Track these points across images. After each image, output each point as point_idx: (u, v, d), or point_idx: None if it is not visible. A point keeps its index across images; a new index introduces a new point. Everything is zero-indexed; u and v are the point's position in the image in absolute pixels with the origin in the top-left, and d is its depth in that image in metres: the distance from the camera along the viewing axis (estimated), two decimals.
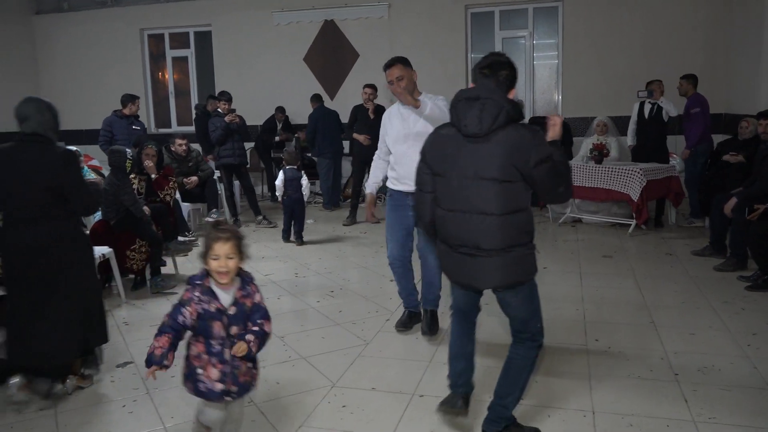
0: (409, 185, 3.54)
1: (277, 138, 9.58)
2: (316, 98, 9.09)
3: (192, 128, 9.90)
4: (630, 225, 6.78)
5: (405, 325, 4.13)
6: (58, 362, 3.19)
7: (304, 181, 6.77)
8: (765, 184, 5.03)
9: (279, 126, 9.70)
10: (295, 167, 6.77)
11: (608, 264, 5.63)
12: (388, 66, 3.73)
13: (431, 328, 4.03)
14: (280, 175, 6.78)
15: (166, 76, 11.20)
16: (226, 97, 7.43)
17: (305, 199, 6.81)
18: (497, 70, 2.51)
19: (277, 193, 6.96)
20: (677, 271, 5.33)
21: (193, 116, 9.90)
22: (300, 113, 10.18)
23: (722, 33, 8.60)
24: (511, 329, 2.70)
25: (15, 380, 3.11)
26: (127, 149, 5.22)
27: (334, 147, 8.58)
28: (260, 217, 7.72)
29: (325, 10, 9.98)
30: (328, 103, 9.60)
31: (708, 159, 7.01)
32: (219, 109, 7.46)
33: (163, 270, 5.33)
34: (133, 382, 3.44)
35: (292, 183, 6.68)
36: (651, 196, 6.71)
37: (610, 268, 5.50)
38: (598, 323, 4.14)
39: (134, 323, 4.42)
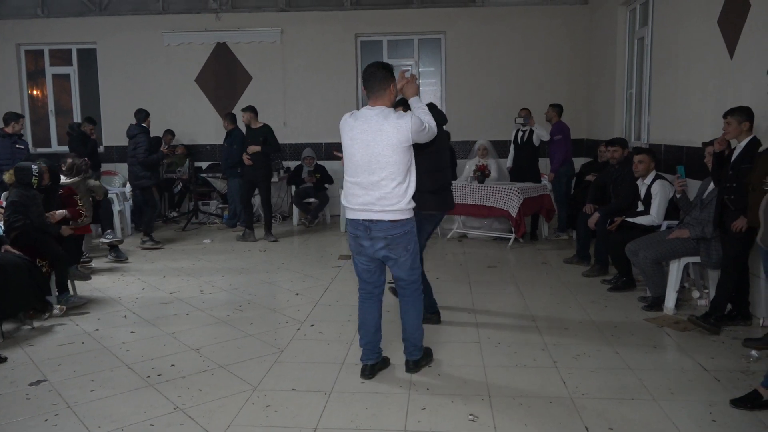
0: None
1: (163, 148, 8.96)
2: (232, 118, 9.04)
3: None
4: (510, 238, 7.48)
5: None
6: None
7: None
8: (620, 202, 5.90)
9: (165, 147, 9.43)
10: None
11: (493, 273, 6.23)
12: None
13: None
14: None
15: (46, 94, 10.73)
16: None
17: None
18: None
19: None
20: (551, 277, 6.02)
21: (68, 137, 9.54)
22: (191, 134, 10.20)
23: (582, 67, 9.75)
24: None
25: None
26: (33, 164, 5.12)
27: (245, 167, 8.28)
28: (146, 238, 7.74)
29: (218, 33, 10.09)
30: (220, 124, 9.65)
31: (571, 179, 7.93)
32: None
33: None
34: (50, 398, 3.45)
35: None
36: (527, 212, 7.45)
37: (495, 276, 6.10)
38: (488, 324, 4.64)
39: (39, 344, 4.35)
